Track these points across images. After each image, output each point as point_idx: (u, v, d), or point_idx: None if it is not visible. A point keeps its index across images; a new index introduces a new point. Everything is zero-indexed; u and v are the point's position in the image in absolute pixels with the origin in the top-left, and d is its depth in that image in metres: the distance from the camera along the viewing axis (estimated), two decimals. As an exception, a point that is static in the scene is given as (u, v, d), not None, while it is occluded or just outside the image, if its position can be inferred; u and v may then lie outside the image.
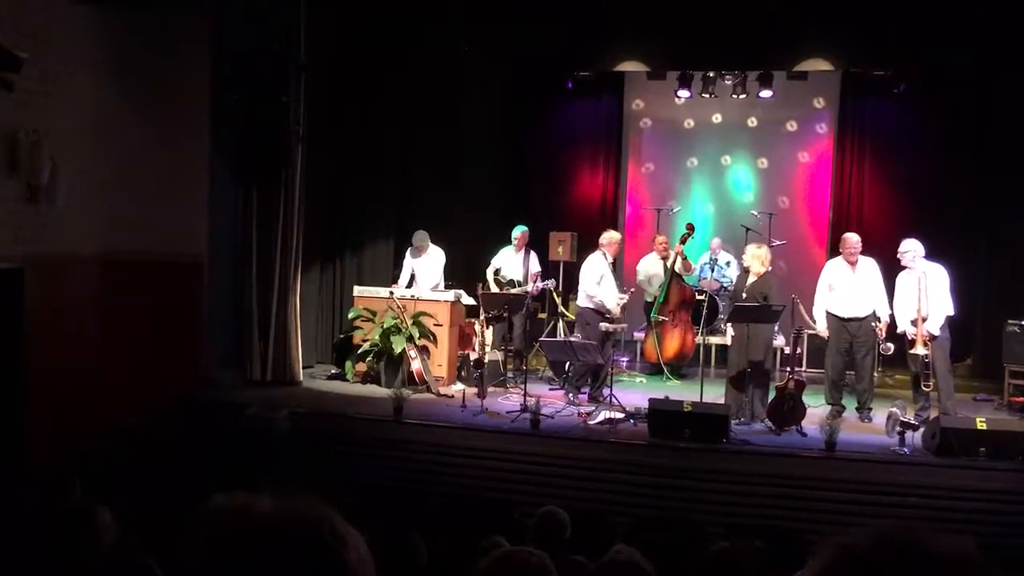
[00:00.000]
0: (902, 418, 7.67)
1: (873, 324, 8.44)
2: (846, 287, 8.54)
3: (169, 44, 8.84)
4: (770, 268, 8.71)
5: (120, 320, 8.52)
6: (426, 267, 10.35)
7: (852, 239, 8.61)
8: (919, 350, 7.99)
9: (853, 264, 8.54)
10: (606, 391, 8.84)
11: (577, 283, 9.61)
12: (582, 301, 9.29)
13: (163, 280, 8.85)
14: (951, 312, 8.18)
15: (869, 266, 8.56)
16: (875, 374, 8.99)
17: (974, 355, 10.72)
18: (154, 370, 8.48)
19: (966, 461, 7.23)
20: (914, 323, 8.05)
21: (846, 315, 8.56)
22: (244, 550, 1.08)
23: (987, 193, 10.66)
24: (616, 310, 9.20)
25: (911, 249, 8.21)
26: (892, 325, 8.37)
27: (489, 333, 10.04)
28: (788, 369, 8.70)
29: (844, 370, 8.77)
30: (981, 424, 7.46)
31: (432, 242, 10.44)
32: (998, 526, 6.62)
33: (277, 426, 7.91)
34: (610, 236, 9.40)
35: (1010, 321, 9.63)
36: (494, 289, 10.17)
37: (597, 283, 9.14)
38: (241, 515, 1.11)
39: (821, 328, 8.67)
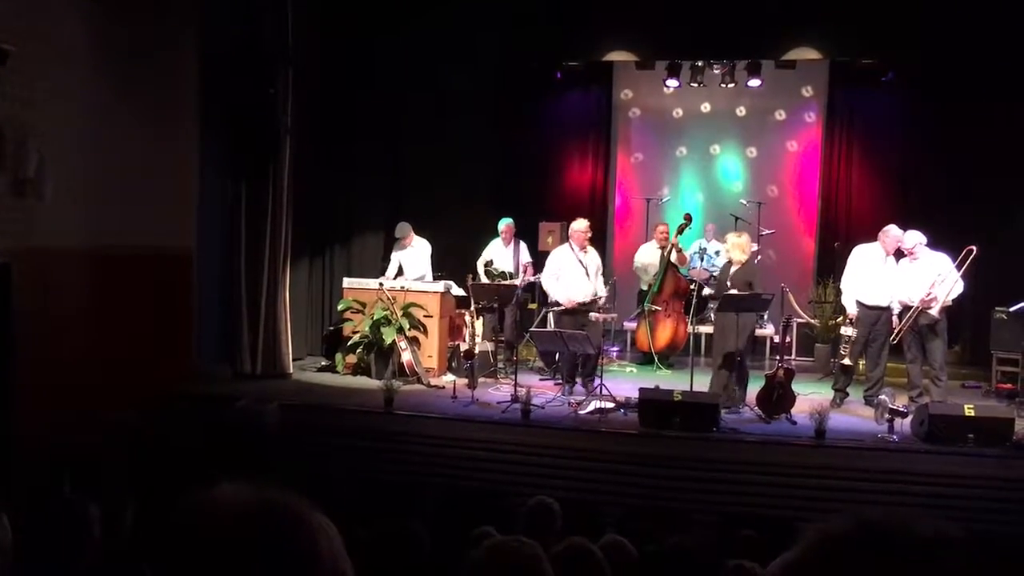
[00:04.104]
0: (891, 405, 7.72)
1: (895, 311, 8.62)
2: (876, 275, 8.60)
3: (157, 37, 8.78)
4: (753, 256, 8.78)
5: (109, 314, 8.48)
6: (412, 259, 10.34)
7: (898, 232, 8.62)
8: (934, 310, 8.25)
9: (888, 254, 8.62)
10: (595, 380, 8.85)
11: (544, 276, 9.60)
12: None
13: (152, 274, 8.81)
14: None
15: (893, 260, 8.67)
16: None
17: (962, 342, 10.79)
18: (144, 364, 8.45)
19: (954, 448, 7.28)
20: (924, 302, 8.28)
21: (871, 303, 8.63)
22: (210, 541, 1.08)
23: (974, 181, 10.71)
24: (568, 303, 9.04)
25: (917, 241, 8.44)
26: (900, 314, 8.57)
27: (479, 324, 10.04)
28: (777, 358, 8.74)
29: (856, 358, 8.85)
30: (969, 411, 7.51)
31: (422, 233, 10.44)
32: (985, 512, 6.66)
33: (267, 419, 7.90)
34: (573, 226, 9.22)
35: (997, 308, 9.69)
36: (484, 280, 10.16)
37: (555, 278, 9.13)
38: (208, 507, 1.11)
39: (853, 310, 8.72)
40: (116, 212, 8.57)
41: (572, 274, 9.10)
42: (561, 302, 9.12)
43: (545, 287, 9.41)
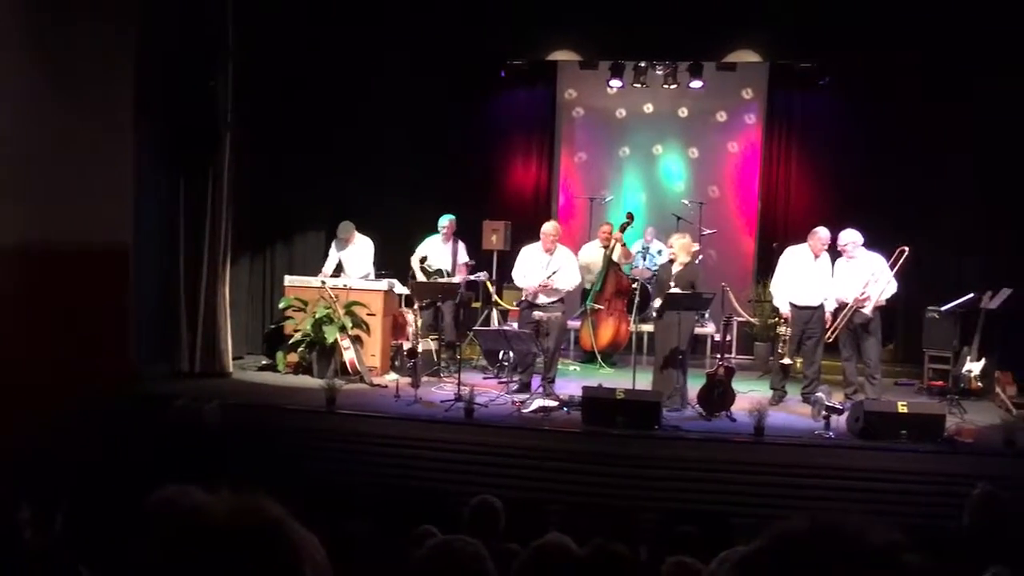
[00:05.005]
0: (827, 403, 7.88)
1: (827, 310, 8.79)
2: (806, 276, 8.78)
3: (93, 26, 8.56)
4: (695, 256, 8.92)
5: (42, 313, 8.25)
6: (354, 257, 10.24)
7: (826, 233, 8.84)
8: (867, 308, 8.45)
9: (817, 255, 8.78)
10: (536, 379, 8.91)
11: (509, 272, 9.62)
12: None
13: (87, 270, 8.59)
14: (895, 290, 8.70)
15: (826, 260, 8.85)
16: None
17: (895, 341, 11.05)
18: (78, 363, 8.24)
19: (888, 444, 7.45)
20: (857, 301, 8.50)
21: (802, 303, 8.80)
22: (195, 556, 1.05)
23: (908, 183, 10.98)
24: (528, 291, 9.10)
25: (852, 240, 8.61)
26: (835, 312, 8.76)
27: (418, 321, 9.98)
28: (718, 356, 8.85)
29: (793, 356, 9.01)
30: (902, 407, 7.69)
31: (365, 231, 10.35)
32: (918, 506, 6.84)
33: (206, 419, 7.77)
34: (546, 228, 9.27)
35: (929, 308, 9.94)
36: (421, 278, 10.10)
37: (522, 274, 9.18)
38: (192, 518, 1.09)
39: (786, 310, 8.88)
40: (48, 207, 8.34)
41: (530, 272, 9.13)
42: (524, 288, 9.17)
43: (514, 279, 9.42)
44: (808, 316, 8.82)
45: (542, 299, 9.04)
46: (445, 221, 10.38)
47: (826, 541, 1.02)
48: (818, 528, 1.03)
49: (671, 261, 8.77)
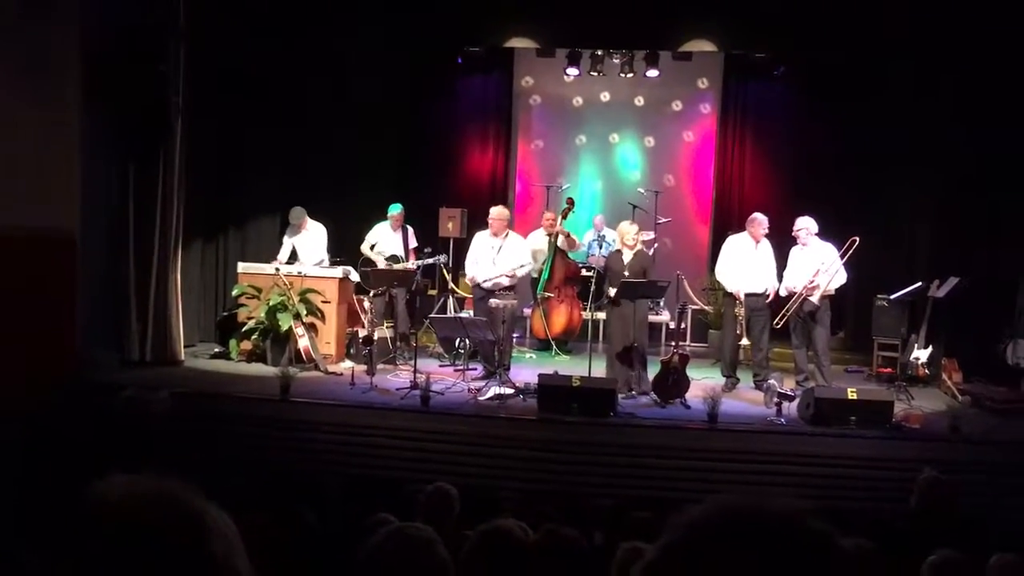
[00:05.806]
0: (779, 389, 7.98)
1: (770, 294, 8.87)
2: (748, 263, 8.85)
3: (37, 9, 8.35)
4: (649, 244, 8.98)
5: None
6: (307, 244, 10.14)
7: (764, 219, 8.92)
8: (815, 297, 8.52)
9: (758, 242, 8.85)
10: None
11: (465, 259, 9.61)
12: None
13: (32, 258, 8.40)
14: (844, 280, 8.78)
15: (767, 247, 8.92)
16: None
17: (846, 329, 11.23)
18: (24, 352, 8.06)
19: (838, 429, 7.57)
20: (807, 290, 8.57)
21: (747, 290, 8.88)
22: (96, 539, 1.03)
23: (859, 173, 11.14)
24: (471, 281, 9.18)
25: (805, 226, 8.69)
26: (779, 296, 8.82)
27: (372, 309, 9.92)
28: (672, 344, 8.92)
29: (739, 343, 9.10)
30: (852, 394, 7.82)
31: (320, 217, 10.25)
32: (867, 490, 6.96)
33: (156, 408, 7.64)
34: (492, 212, 9.32)
35: (879, 296, 10.10)
36: (382, 264, 10.04)
37: (474, 261, 9.19)
38: (96, 503, 1.06)
39: (741, 292, 8.92)
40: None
41: (482, 258, 9.14)
42: (478, 283, 9.19)
43: (466, 268, 9.43)
44: (753, 303, 8.91)
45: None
46: (395, 211, 10.31)
47: (728, 523, 1.01)
48: (723, 512, 1.02)
49: (619, 251, 8.80)
